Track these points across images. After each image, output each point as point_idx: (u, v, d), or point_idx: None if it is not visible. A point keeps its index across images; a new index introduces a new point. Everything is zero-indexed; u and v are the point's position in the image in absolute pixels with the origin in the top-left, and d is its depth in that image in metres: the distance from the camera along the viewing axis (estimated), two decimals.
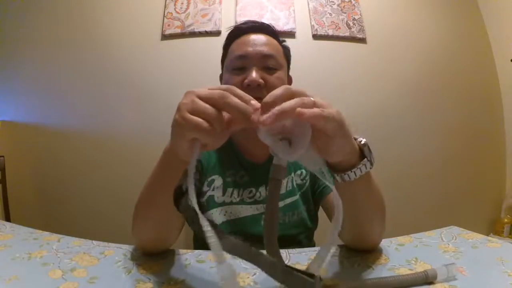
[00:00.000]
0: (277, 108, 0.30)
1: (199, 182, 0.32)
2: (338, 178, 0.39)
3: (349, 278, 0.42)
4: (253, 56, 0.64)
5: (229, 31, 0.72)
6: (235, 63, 0.65)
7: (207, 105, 0.32)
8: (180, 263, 0.46)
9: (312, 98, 0.32)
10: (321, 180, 0.69)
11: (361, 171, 0.38)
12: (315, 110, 0.30)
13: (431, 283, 0.38)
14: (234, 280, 0.27)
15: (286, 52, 0.72)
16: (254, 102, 0.32)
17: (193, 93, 0.33)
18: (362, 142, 0.39)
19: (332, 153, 0.35)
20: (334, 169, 0.39)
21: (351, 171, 0.38)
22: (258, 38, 0.67)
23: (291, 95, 0.32)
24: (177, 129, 0.34)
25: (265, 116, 0.30)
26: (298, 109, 0.30)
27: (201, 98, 0.33)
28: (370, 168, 0.39)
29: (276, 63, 0.66)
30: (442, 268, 0.39)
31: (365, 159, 0.39)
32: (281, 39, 0.72)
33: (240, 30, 0.69)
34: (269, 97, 0.31)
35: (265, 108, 0.31)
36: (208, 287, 0.40)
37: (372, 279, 0.40)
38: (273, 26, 0.72)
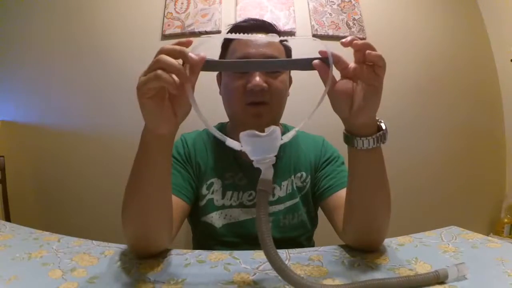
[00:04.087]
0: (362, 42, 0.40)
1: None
2: (356, 142, 0.44)
3: (349, 278, 0.42)
4: (255, 58, 0.63)
5: (228, 30, 0.70)
6: None
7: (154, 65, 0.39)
8: (180, 263, 0.46)
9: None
10: (321, 182, 0.68)
11: (374, 142, 0.43)
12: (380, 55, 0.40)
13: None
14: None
15: (288, 52, 0.71)
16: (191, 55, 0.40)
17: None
18: (380, 120, 0.45)
19: (368, 108, 0.42)
20: (355, 133, 0.44)
21: (371, 137, 0.43)
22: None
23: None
24: (139, 90, 0.40)
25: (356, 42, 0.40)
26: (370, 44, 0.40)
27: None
28: (383, 142, 0.44)
29: None
30: (452, 267, 0.39)
31: (381, 131, 0.44)
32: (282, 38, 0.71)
33: (241, 29, 0.67)
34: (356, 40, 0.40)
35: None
36: (208, 287, 0.40)
37: (383, 279, 0.39)
38: (275, 25, 0.70)
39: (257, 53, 0.63)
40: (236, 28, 0.69)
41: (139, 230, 0.46)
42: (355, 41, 0.40)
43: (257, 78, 0.61)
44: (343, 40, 0.41)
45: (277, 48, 0.67)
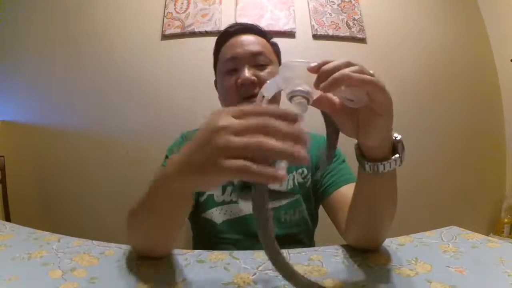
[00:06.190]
0: (337, 74, 0.30)
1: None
2: (368, 167, 0.39)
3: (349, 278, 0.42)
4: (243, 56, 0.65)
5: (217, 37, 0.73)
6: (226, 66, 0.67)
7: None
8: (180, 263, 0.46)
9: (371, 71, 0.32)
10: (323, 179, 0.69)
11: (390, 166, 0.38)
12: (373, 78, 0.31)
13: (430, 282, 0.38)
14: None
15: (275, 48, 0.73)
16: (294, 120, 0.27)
17: (226, 129, 0.28)
18: (398, 138, 0.39)
19: (374, 132, 0.36)
20: (367, 157, 0.39)
21: (381, 163, 0.38)
22: (246, 39, 0.68)
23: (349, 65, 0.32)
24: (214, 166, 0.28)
25: (323, 84, 0.30)
26: (358, 75, 0.30)
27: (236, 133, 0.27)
28: (399, 165, 0.39)
29: (266, 59, 0.67)
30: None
31: (397, 155, 0.38)
32: (268, 36, 0.73)
33: (228, 34, 0.71)
34: (329, 66, 0.31)
35: (323, 76, 0.30)
36: (208, 287, 0.40)
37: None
38: (259, 26, 0.73)
39: (244, 52, 0.66)
40: (223, 34, 0.72)
41: (148, 244, 0.46)
42: (326, 68, 0.31)
43: (246, 73, 0.63)
44: (312, 65, 0.32)
45: (263, 45, 0.69)
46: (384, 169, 0.38)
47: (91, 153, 1.56)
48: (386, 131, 0.37)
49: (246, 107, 0.29)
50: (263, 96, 0.34)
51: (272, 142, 0.25)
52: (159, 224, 0.41)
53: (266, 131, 0.26)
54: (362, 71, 0.32)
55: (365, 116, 0.35)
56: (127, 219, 0.45)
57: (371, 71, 0.33)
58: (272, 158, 0.27)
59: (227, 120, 0.28)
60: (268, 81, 0.33)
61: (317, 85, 0.31)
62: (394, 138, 0.39)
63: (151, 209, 0.40)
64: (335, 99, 0.37)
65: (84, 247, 0.50)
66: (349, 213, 0.51)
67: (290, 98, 0.31)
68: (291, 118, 0.27)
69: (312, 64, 0.32)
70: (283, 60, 0.74)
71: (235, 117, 0.29)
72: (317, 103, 0.34)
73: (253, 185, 0.30)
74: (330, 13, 1.64)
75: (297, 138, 0.26)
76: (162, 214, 0.39)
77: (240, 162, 0.26)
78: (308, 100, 0.31)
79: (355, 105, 0.33)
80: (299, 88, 0.30)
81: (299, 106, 0.30)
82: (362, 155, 0.40)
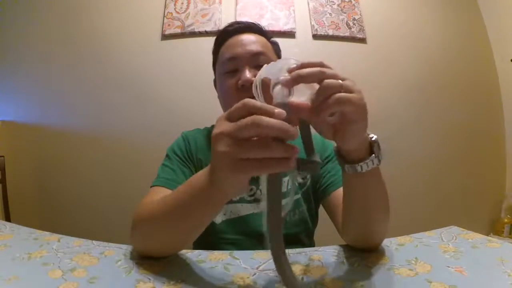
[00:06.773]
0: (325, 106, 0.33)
1: None
2: (347, 168, 0.40)
3: (349, 278, 0.42)
4: (243, 56, 0.64)
5: (216, 36, 0.72)
6: (226, 66, 0.65)
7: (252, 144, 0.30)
8: (180, 263, 0.46)
9: (340, 81, 0.33)
10: (323, 179, 0.69)
11: (368, 166, 0.39)
12: (336, 96, 0.32)
13: (430, 282, 0.38)
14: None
15: (276, 48, 0.72)
16: (277, 111, 0.30)
17: (224, 135, 0.31)
18: (373, 139, 0.40)
19: (350, 137, 0.37)
20: (346, 159, 0.41)
21: (358, 164, 0.39)
22: (246, 38, 0.67)
23: (322, 76, 0.33)
24: (244, 164, 0.31)
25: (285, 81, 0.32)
26: (335, 100, 0.32)
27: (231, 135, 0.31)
28: (377, 165, 0.40)
29: (267, 59, 0.65)
30: None
31: (373, 155, 0.39)
32: (269, 35, 0.72)
33: (227, 33, 0.69)
34: (302, 72, 0.33)
35: (296, 80, 0.33)
36: (208, 287, 0.40)
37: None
38: (259, 24, 0.72)
39: (244, 52, 0.65)
40: (223, 33, 0.71)
41: (166, 245, 0.46)
42: (302, 72, 0.33)
43: (247, 74, 0.62)
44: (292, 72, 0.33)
45: (264, 45, 0.68)
46: (361, 169, 0.39)
47: (90, 153, 1.56)
48: (362, 134, 0.38)
49: (237, 105, 0.32)
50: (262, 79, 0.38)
51: (266, 141, 0.30)
52: (191, 224, 0.42)
53: (256, 126, 0.29)
54: (329, 87, 0.33)
55: (340, 123, 0.36)
56: (145, 221, 0.46)
57: (341, 78, 0.34)
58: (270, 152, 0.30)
59: (222, 126, 0.32)
60: (270, 64, 0.36)
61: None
62: (370, 138, 0.40)
63: (189, 210, 0.41)
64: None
65: (84, 247, 0.50)
66: (342, 213, 0.51)
67: (273, 85, 0.34)
68: (277, 113, 0.30)
69: (292, 67, 0.34)
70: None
71: (228, 120, 0.32)
72: (294, 110, 0.34)
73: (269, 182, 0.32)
74: (330, 13, 1.65)
75: (283, 132, 0.29)
76: (199, 214, 0.40)
77: (252, 162, 0.30)
78: (289, 90, 0.33)
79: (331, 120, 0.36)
80: (282, 77, 0.33)
81: (278, 93, 0.33)
82: (341, 157, 0.41)
